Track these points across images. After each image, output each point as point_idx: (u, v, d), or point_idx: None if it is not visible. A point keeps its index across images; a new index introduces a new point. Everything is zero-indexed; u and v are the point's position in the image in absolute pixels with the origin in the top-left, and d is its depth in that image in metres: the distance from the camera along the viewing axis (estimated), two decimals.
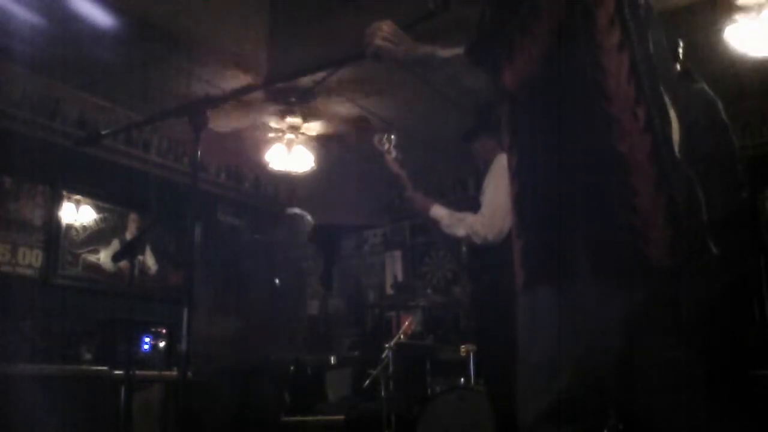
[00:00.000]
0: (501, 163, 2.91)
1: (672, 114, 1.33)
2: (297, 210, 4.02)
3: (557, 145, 1.33)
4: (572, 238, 1.28)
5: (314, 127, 5.34)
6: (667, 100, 1.33)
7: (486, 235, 2.84)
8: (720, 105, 2.31)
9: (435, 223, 3.01)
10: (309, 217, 3.91)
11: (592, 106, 1.30)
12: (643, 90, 1.30)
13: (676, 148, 1.31)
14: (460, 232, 2.92)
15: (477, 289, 3.08)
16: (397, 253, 6.92)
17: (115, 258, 4.05)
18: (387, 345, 4.27)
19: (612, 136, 1.28)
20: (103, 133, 2.23)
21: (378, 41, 1.58)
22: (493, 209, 2.81)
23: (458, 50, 1.48)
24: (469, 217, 2.92)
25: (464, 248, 3.25)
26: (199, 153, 1.74)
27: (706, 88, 2.38)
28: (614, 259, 1.26)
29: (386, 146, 3.05)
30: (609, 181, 1.28)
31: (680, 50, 2.39)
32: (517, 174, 1.45)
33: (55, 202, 4.72)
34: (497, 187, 2.80)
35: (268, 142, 5.27)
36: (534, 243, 1.37)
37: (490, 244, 2.82)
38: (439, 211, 3.00)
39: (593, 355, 1.26)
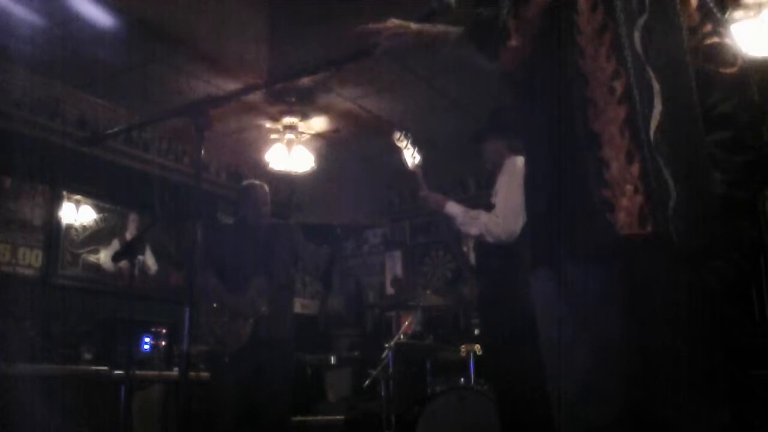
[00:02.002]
0: (512, 165, 2.94)
1: (657, 100, 1.36)
2: (251, 181, 3.96)
3: (547, 126, 1.39)
4: (559, 216, 1.34)
5: (314, 127, 5.34)
6: (654, 85, 1.36)
7: (500, 235, 2.89)
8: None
9: (449, 220, 3.04)
10: (266, 187, 3.82)
11: (572, 87, 1.36)
12: (625, 65, 1.35)
13: (653, 128, 1.34)
14: (474, 230, 2.96)
15: (484, 289, 3.10)
16: (397, 253, 6.92)
17: (115, 258, 4.04)
18: (387, 345, 4.27)
19: (587, 116, 1.34)
20: (107, 133, 2.23)
21: (387, 42, 1.61)
22: (507, 210, 2.85)
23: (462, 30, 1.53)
24: (482, 216, 2.96)
25: (466, 248, 3.27)
26: (202, 153, 1.74)
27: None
28: (590, 234, 1.31)
29: (404, 143, 3.07)
30: (585, 159, 1.33)
31: None
32: (525, 155, 1.51)
33: (55, 202, 4.73)
34: (510, 188, 2.84)
35: (268, 142, 5.28)
36: (533, 222, 1.44)
37: (503, 243, 2.87)
38: (453, 209, 3.04)
39: (587, 332, 1.29)
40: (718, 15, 1.55)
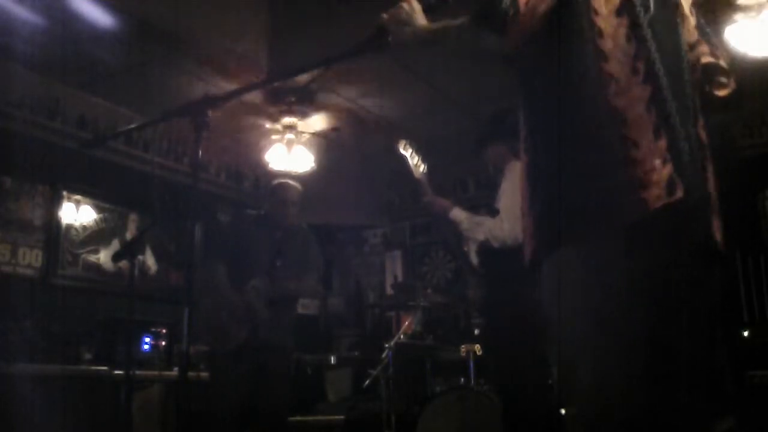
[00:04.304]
0: (516, 169, 2.94)
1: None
2: (284, 180, 3.91)
3: (560, 107, 1.38)
4: (579, 199, 1.32)
5: (314, 127, 5.34)
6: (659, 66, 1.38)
7: (505, 239, 2.92)
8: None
9: (454, 226, 3.05)
10: (299, 188, 3.76)
11: (591, 65, 1.35)
12: (645, 44, 1.36)
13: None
14: (480, 236, 2.98)
15: (489, 292, 3.10)
16: (397, 253, 6.92)
17: (115, 258, 4.04)
18: (387, 345, 4.26)
19: (609, 93, 1.33)
20: (108, 135, 2.22)
21: (397, 34, 1.59)
22: (511, 214, 2.86)
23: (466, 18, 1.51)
24: (487, 222, 2.98)
25: (466, 249, 3.28)
26: (200, 153, 1.74)
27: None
28: (618, 214, 1.29)
29: (409, 151, 3.09)
30: (608, 138, 1.32)
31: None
32: (526, 141, 1.48)
33: (55, 202, 4.72)
34: (514, 192, 2.84)
35: (268, 142, 5.28)
36: (545, 210, 1.40)
37: (509, 247, 2.88)
38: (458, 215, 3.06)
39: (615, 313, 1.27)
40: (713, 39, 1.56)
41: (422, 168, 3.09)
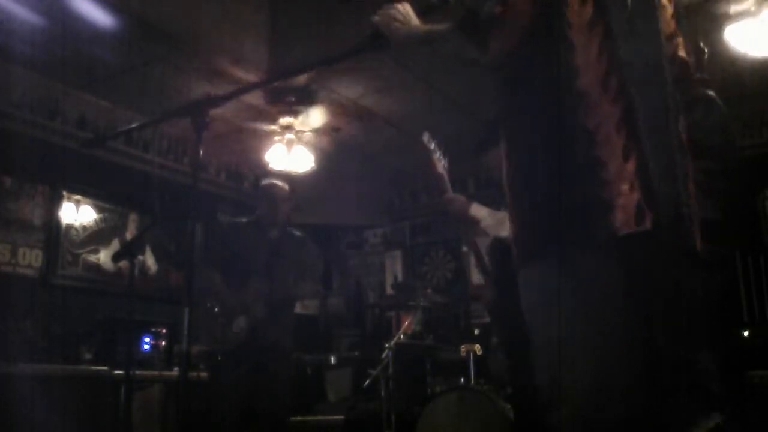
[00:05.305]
0: None
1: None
2: (272, 180, 3.88)
3: (536, 121, 1.37)
4: (557, 210, 1.32)
5: (314, 127, 5.34)
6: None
7: None
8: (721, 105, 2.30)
9: (474, 223, 2.99)
10: (287, 187, 3.76)
11: (562, 80, 1.34)
12: (617, 60, 1.33)
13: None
14: (504, 232, 2.91)
15: (502, 293, 3.08)
16: (397, 253, 6.92)
17: (115, 258, 4.04)
18: (387, 345, 4.26)
19: (579, 111, 1.31)
20: (109, 135, 2.22)
21: (390, 33, 1.60)
22: None
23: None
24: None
25: (465, 249, 3.25)
26: (201, 153, 1.74)
27: (710, 93, 2.37)
28: (583, 231, 1.29)
29: (432, 144, 3.04)
30: (577, 155, 1.31)
31: (705, 57, 2.42)
32: (506, 153, 1.47)
33: (55, 202, 4.72)
34: None
35: (268, 142, 5.28)
36: (523, 222, 1.41)
37: None
38: (479, 211, 2.99)
39: (581, 332, 1.28)
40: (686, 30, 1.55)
41: (443, 163, 3.04)
